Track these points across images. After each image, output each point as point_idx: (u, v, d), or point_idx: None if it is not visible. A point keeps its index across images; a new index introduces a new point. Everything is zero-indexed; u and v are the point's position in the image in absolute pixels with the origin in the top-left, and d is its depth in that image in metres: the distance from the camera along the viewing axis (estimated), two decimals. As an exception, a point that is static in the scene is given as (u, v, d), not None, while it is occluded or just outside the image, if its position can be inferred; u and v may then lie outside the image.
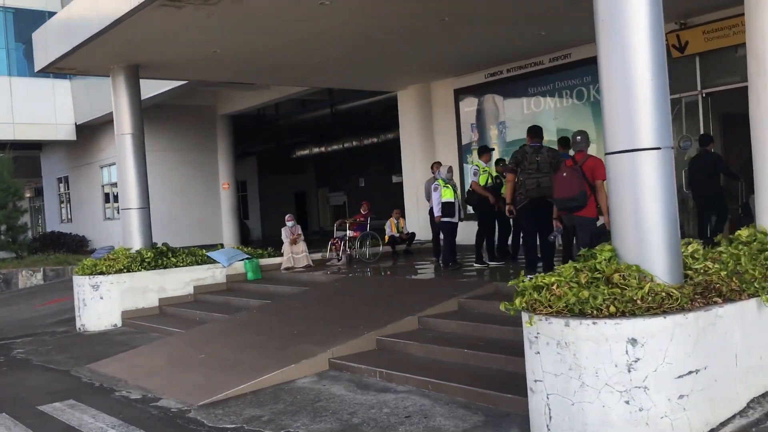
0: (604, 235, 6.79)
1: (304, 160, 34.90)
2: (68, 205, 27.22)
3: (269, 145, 31.00)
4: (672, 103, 11.76)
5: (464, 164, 15.47)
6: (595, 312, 4.51)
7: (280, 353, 7.56)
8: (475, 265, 10.73)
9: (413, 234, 14.92)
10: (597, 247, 5.07)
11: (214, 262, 12.75)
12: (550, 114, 13.70)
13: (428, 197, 12.29)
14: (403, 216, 15.49)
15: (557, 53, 13.28)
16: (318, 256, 13.74)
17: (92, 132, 23.67)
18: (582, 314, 4.54)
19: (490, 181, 11.04)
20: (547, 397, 4.69)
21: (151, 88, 17.06)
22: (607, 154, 5.04)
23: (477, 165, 11.14)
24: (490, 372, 6.26)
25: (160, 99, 19.22)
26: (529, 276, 8.53)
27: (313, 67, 13.67)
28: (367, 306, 8.77)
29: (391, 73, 15.20)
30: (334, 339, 7.66)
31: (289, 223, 13.38)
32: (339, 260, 13.42)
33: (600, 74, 5.02)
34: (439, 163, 12.43)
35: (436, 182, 11.04)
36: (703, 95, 11.37)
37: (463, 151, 15.57)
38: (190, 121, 23.20)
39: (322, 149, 30.93)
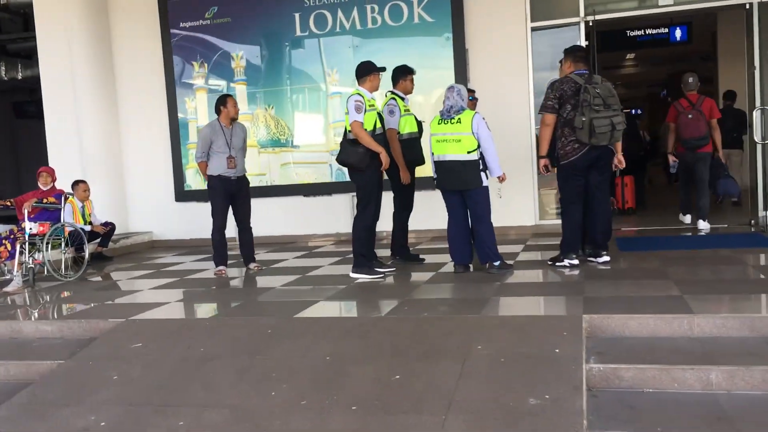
0: (722, 167, 7.87)
1: None
2: None
3: None
4: (547, 31, 8.69)
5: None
6: None
7: None
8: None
9: (113, 226, 8.73)
10: None
11: None
12: (347, 40, 9.17)
13: (206, 155, 6.87)
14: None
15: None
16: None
17: None
18: None
19: (410, 126, 6.57)
20: None
21: None
22: None
23: (395, 98, 6.45)
24: None
25: None
26: (569, 261, 6.00)
27: None
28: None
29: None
30: None
31: None
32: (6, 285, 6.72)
33: None
34: (232, 100, 6.97)
35: (480, 117, 5.94)
36: (589, 23, 8.45)
37: (178, 91, 9.80)
38: None
39: None
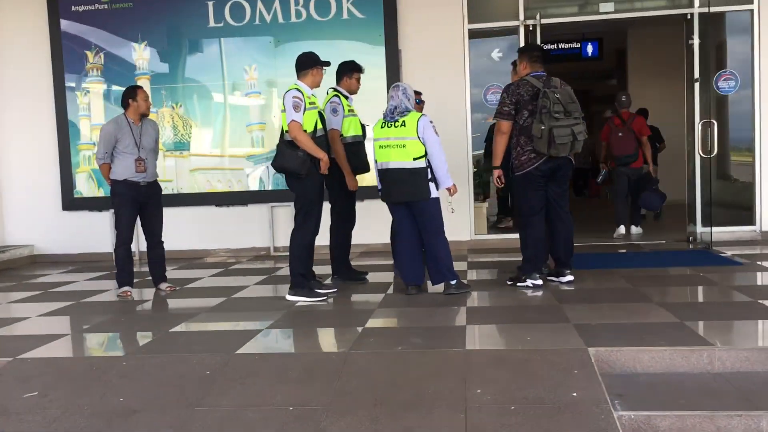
0: (651, 181, 8.23)
1: None
2: None
3: None
4: (484, 39, 8.19)
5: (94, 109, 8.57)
6: None
7: None
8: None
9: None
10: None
11: None
12: (267, 34, 8.28)
13: (109, 155, 5.86)
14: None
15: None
16: None
17: None
18: None
19: (354, 129, 5.90)
20: None
21: None
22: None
23: (338, 96, 5.66)
24: None
25: None
26: (531, 281, 5.42)
27: None
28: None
29: None
30: None
31: None
32: None
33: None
34: (143, 92, 5.95)
35: (427, 120, 5.22)
36: (530, 27, 7.99)
37: (67, 84, 8.55)
38: None
39: None
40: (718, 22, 8.12)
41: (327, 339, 4.38)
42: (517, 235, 7.99)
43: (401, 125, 5.17)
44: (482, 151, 8.66)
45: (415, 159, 5.14)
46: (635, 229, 8.49)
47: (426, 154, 5.17)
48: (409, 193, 5.18)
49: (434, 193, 5.24)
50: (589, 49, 13.86)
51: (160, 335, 4.49)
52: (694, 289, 5.34)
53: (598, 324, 4.19)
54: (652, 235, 8.24)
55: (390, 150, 5.19)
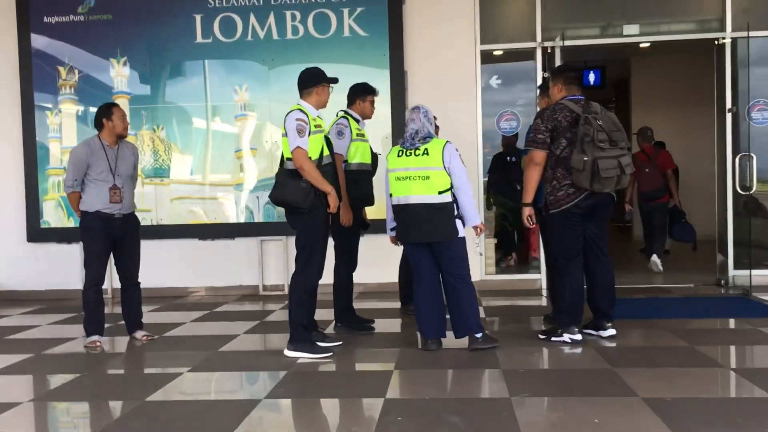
0: (677, 215, 8.00)
1: None
2: None
3: None
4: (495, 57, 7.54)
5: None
6: None
7: None
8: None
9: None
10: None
11: None
12: (260, 51, 7.54)
13: (79, 183, 5.04)
14: None
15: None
16: None
17: None
18: None
19: (362, 156, 5.15)
20: None
21: None
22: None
23: (347, 118, 5.07)
24: None
25: None
26: (569, 335, 4.68)
27: None
28: None
29: None
30: None
31: None
32: None
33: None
34: (119, 111, 5.18)
35: (453, 147, 4.55)
36: (548, 50, 7.34)
37: (37, 103, 7.74)
38: None
39: None
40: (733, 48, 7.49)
41: (341, 416, 3.56)
42: (531, 276, 7.45)
43: (423, 153, 4.46)
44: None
45: (440, 193, 4.43)
46: (655, 258, 8.09)
47: (451, 187, 4.47)
48: (434, 232, 4.46)
49: (461, 232, 4.51)
50: (591, 77, 13.31)
51: (134, 406, 3.65)
52: (762, 350, 4.60)
53: (675, 399, 3.43)
54: (678, 277, 7.56)
55: (410, 182, 4.47)
